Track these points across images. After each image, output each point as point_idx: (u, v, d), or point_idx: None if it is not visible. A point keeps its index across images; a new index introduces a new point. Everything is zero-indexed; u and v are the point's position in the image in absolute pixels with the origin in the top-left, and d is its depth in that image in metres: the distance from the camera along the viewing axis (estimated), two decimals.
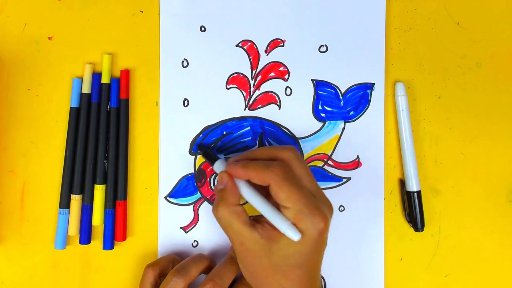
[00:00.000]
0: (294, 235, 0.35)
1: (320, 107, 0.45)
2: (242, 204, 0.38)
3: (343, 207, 0.45)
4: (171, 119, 0.44)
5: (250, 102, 0.45)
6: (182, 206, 0.44)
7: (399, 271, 0.45)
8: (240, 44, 0.44)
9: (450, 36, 0.45)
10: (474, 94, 0.45)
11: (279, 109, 0.45)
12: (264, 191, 0.37)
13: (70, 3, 0.44)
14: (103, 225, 0.43)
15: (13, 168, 0.44)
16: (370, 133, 0.45)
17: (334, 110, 0.45)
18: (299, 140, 0.45)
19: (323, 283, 0.44)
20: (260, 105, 0.45)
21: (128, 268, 0.44)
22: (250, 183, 0.38)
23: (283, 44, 0.45)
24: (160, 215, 0.44)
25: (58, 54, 0.44)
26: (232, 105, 0.45)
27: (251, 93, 0.45)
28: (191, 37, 0.44)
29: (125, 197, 0.43)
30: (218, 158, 0.40)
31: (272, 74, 0.45)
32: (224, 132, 0.44)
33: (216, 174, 0.44)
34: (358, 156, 0.45)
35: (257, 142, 0.45)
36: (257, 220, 0.37)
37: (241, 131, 0.45)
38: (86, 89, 0.43)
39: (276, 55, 0.45)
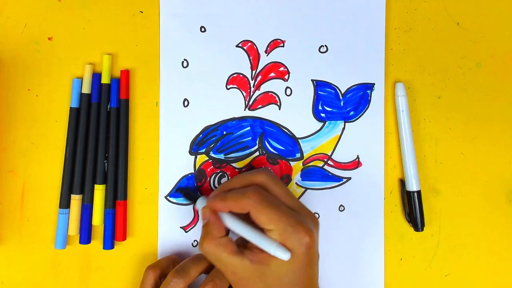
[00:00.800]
0: (283, 255, 0.35)
1: (320, 107, 0.45)
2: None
3: (343, 207, 0.45)
4: (171, 119, 0.44)
5: (250, 102, 0.45)
6: (182, 206, 0.44)
7: (399, 271, 0.45)
8: (240, 44, 0.44)
9: (450, 36, 0.45)
10: (474, 94, 0.45)
11: (279, 109, 0.45)
12: (248, 219, 0.37)
13: (70, 3, 0.44)
14: (103, 225, 0.43)
15: (13, 168, 0.44)
16: (370, 133, 0.45)
17: (334, 110, 0.45)
18: (299, 140, 0.45)
19: None
20: (260, 105, 0.45)
21: (128, 268, 0.44)
22: (233, 213, 0.38)
23: (283, 44, 0.45)
24: (160, 215, 0.44)
25: (58, 55, 0.44)
26: (232, 105, 0.45)
27: (251, 93, 0.45)
28: (191, 37, 0.44)
29: (125, 197, 0.43)
30: (199, 197, 0.41)
31: (272, 74, 0.45)
32: (224, 132, 0.44)
33: (216, 174, 0.44)
34: (358, 156, 0.45)
35: (257, 142, 0.45)
36: (245, 247, 0.37)
37: (241, 131, 0.45)
38: (86, 89, 0.43)
39: (276, 55, 0.45)
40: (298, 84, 0.45)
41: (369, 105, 0.45)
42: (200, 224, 0.44)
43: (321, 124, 0.45)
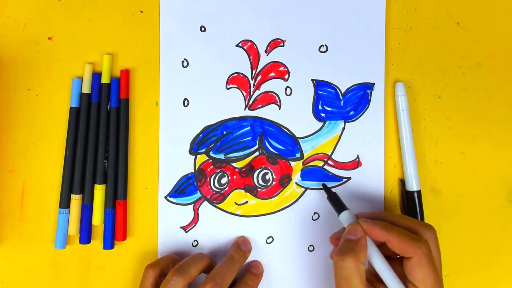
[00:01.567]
0: None
1: (320, 107, 0.45)
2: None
3: None
4: (171, 119, 0.44)
5: (250, 102, 0.45)
6: (182, 206, 0.44)
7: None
8: (240, 44, 0.44)
9: (450, 36, 0.45)
10: (474, 94, 0.45)
11: (279, 109, 0.45)
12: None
13: (70, 3, 0.44)
14: (103, 224, 0.43)
15: (13, 168, 0.44)
16: (370, 133, 0.45)
17: (334, 110, 0.45)
18: (299, 140, 0.45)
19: None
20: (260, 105, 0.45)
21: (128, 268, 0.44)
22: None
23: (283, 44, 0.45)
24: (160, 215, 0.44)
25: (58, 54, 0.44)
26: (232, 105, 0.45)
27: (251, 93, 0.45)
28: (191, 37, 0.44)
29: (125, 197, 0.43)
30: (347, 209, 0.40)
31: (272, 74, 0.45)
32: (224, 132, 0.44)
33: (216, 174, 0.44)
34: (358, 156, 0.45)
35: (257, 142, 0.45)
36: (371, 281, 0.37)
37: (241, 131, 0.45)
38: (86, 89, 0.43)
39: (276, 55, 0.45)
40: (298, 84, 0.45)
41: (369, 105, 0.45)
42: (200, 224, 0.44)
43: (321, 124, 0.45)
